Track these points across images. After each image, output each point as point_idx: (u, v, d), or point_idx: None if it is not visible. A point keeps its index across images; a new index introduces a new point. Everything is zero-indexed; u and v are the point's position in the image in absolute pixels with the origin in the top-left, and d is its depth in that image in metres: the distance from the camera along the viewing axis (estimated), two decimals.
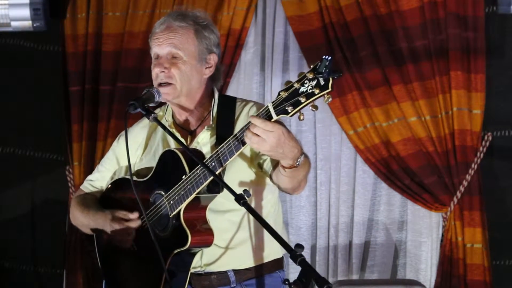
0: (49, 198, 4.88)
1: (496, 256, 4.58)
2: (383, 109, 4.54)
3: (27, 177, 4.88)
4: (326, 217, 4.69)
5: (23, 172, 4.89)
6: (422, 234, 4.62)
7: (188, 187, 2.61)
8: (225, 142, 2.54)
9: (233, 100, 2.86)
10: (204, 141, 2.78)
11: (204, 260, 2.77)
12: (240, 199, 2.41)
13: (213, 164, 2.56)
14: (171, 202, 2.66)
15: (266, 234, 2.78)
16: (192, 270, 2.75)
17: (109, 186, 2.98)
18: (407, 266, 4.65)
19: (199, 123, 2.84)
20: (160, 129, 2.85)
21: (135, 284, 2.85)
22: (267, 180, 2.79)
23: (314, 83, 2.32)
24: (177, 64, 2.76)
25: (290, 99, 2.37)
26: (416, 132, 4.52)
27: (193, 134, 2.83)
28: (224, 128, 2.72)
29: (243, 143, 2.50)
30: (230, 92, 4.59)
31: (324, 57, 2.32)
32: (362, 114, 4.57)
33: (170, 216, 2.67)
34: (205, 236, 2.67)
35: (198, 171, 2.58)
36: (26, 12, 4.55)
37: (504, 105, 4.59)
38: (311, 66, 2.34)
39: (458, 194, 4.50)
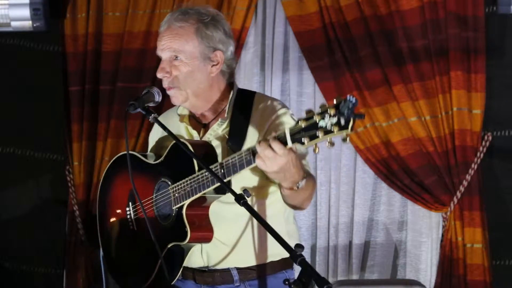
0: (49, 198, 4.88)
1: (496, 256, 4.58)
2: (383, 109, 4.54)
3: (27, 177, 4.88)
4: (326, 217, 4.69)
5: (23, 172, 4.88)
6: (422, 234, 4.62)
7: (195, 186, 2.61)
8: (237, 153, 2.53)
9: (252, 94, 2.83)
10: (216, 132, 2.77)
11: (205, 256, 2.77)
12: (240, 199, 2.41)
13: (222, 171, 2.56)
14: (176, 195, 2.66)
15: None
16: (195, 266, 2.77)
17: (111, 163, 2.97)
18: (407, 266, 4.65)
19: (213, 117, 2.82)
20: (179, 123, 2.86)
21: (133, 262, 2.85)
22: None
23: (334, 120, 2.27)
24: (178, 67, 2.73)
25: (308, 130, 2.36)
26: (416, 132, 4.52)
27: (206, 127, 2.82)
28: (239, 122, 2.71)
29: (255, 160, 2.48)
30: None
31: (348, 97, 2.24)
32: None
33: (173, 208, 2.68)
34: (205, 233, 2.68)
35: (207, 173, 2.58)
36: (26, 12, 4.55)
37: (504, 105, 4.59)
38: (335, 102, 2.26)
39: (458, 194, 4.50)
